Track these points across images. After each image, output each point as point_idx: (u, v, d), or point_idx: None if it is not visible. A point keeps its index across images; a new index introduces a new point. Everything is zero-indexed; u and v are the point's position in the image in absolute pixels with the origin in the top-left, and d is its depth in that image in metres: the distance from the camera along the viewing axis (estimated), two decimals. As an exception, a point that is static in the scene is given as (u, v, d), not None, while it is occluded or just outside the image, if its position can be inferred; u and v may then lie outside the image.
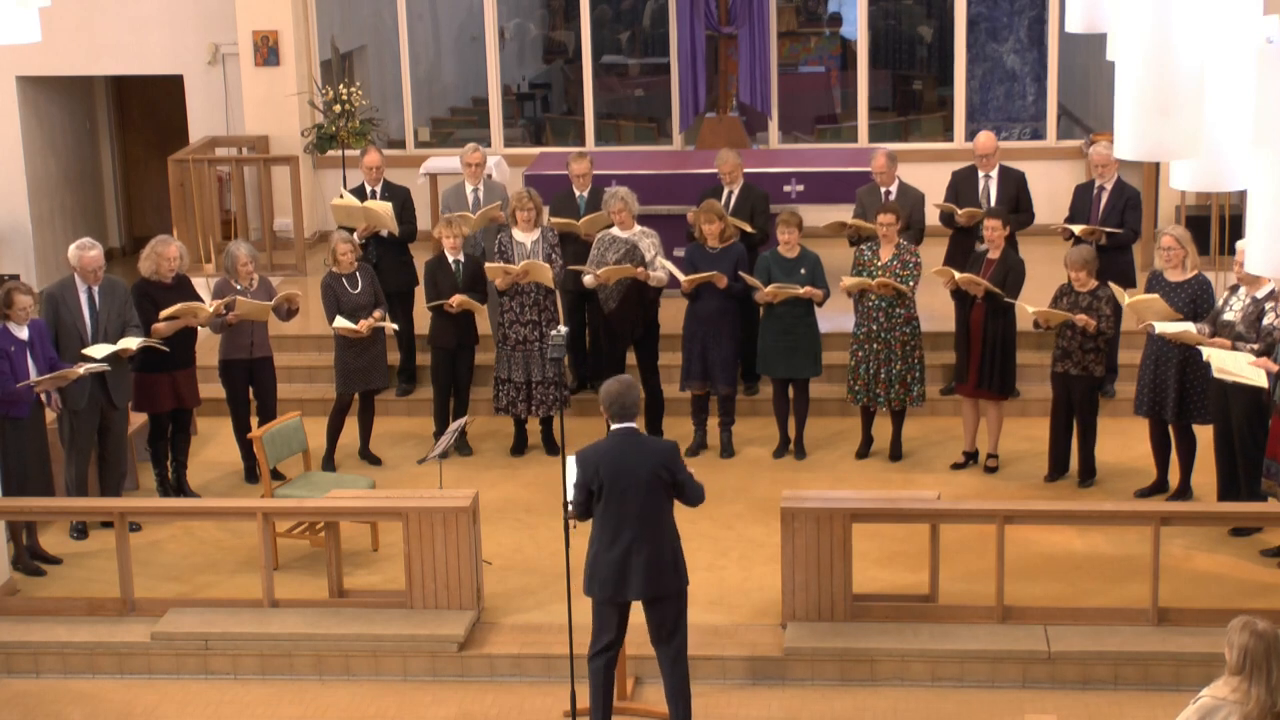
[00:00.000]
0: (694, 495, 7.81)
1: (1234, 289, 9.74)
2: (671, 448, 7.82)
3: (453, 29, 17.41)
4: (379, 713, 8.49)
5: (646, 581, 7.67)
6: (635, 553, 7.63)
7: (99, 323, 9.99)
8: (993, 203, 11.60)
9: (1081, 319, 10.13)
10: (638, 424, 7.83)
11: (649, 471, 7.63)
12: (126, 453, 10.55)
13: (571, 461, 8.08)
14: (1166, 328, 9.73)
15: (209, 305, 10.54)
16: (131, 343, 9.98)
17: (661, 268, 11.10)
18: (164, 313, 10.25)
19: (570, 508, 7.88)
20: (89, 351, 9.80)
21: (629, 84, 17.24)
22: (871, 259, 10.83)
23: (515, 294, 11.07)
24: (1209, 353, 9.35)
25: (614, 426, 7.75)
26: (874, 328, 10.81)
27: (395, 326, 11.39)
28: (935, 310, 11.69)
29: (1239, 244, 9.64)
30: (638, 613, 7.87)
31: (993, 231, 10.64)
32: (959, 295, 10.70)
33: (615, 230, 11.21)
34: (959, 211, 11.60)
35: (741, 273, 10.88)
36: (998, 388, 10.67)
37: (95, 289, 10.03)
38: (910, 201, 11.62)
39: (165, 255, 10.47)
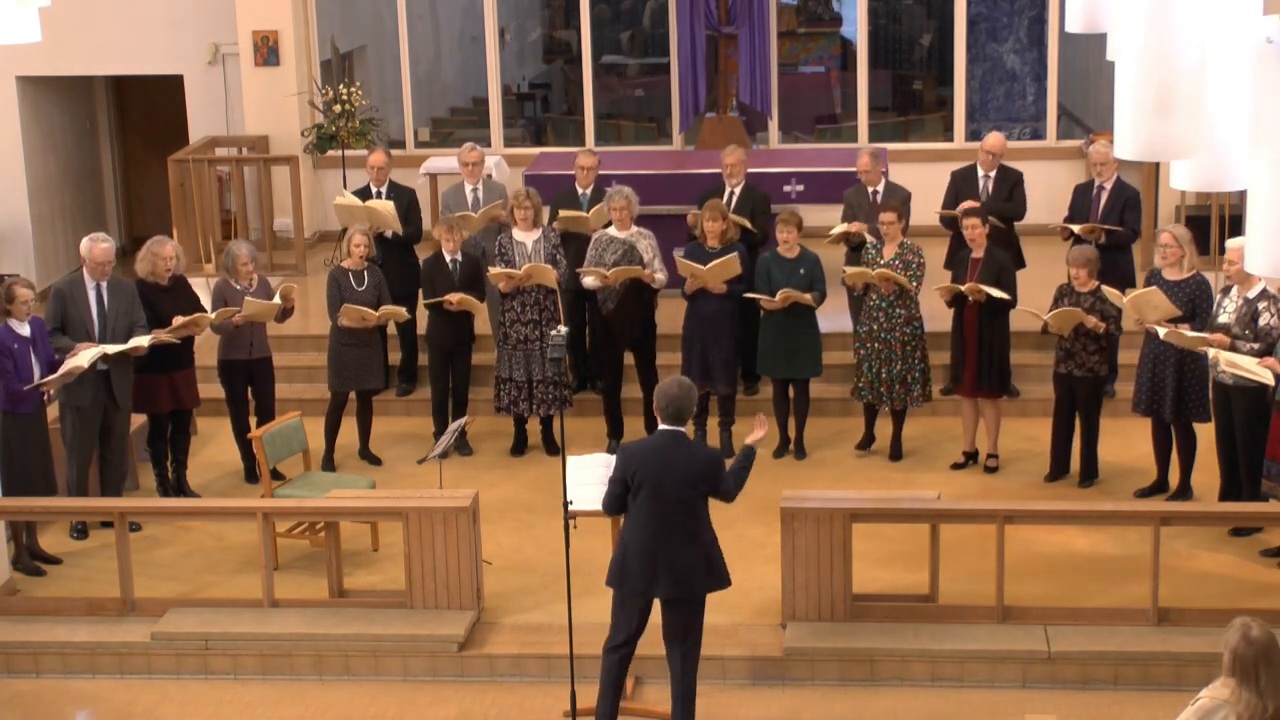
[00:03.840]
0: (731, 496, 7.84)
1: (1225, 290, 9.72)
2: (716, 458, 7.81)
3: (453, 29, 17.42)
4: (379, 713, 8.49)
5: (674, 583, 7.66)
6: (666, 553, 7.61)
7: (107, 320, 9.99)
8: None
9: (1093, 321, 10.11)
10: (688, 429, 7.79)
11: (689, 478, 7.62)
12: (128, 453, 10.55)
13: (582, 460, 8.02)
14: (1167, 333, 9.71)
15: (211, 311, 10.53)
16: (142, 341, 9.98)
17: (661, 268, 11.11)
18: (167, 330, 10.21)
19: (604, 501, 7.86)
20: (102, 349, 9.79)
21: (629, 84, 17.26)
22: (875, 258, 10.83)
23: (516, 294, 11.07)
24: (1215, 350, 9.34)
25: (662, 426, 7.75)
26: (874, 327, 10.81)
27: (405, 311, 11.27)
28: (937, 311, 11.67)
29: (1229, 244, 9.63)
30: (653, 613, 7.87)
31: (972, 230, 10.63)
32: (955, 296, 10.68)
33: (612, 230, 11.21)
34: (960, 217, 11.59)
35: (749, 294, 10.89)
36: (995, 388, 10.67)
37: (104, 286, 10.03)
38: (897, 200, 11.62)
39: (161, 255, 10.47)
